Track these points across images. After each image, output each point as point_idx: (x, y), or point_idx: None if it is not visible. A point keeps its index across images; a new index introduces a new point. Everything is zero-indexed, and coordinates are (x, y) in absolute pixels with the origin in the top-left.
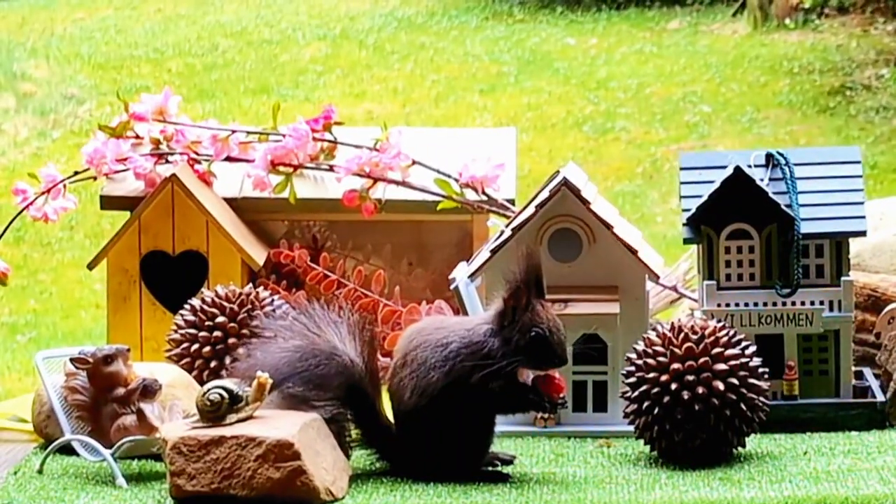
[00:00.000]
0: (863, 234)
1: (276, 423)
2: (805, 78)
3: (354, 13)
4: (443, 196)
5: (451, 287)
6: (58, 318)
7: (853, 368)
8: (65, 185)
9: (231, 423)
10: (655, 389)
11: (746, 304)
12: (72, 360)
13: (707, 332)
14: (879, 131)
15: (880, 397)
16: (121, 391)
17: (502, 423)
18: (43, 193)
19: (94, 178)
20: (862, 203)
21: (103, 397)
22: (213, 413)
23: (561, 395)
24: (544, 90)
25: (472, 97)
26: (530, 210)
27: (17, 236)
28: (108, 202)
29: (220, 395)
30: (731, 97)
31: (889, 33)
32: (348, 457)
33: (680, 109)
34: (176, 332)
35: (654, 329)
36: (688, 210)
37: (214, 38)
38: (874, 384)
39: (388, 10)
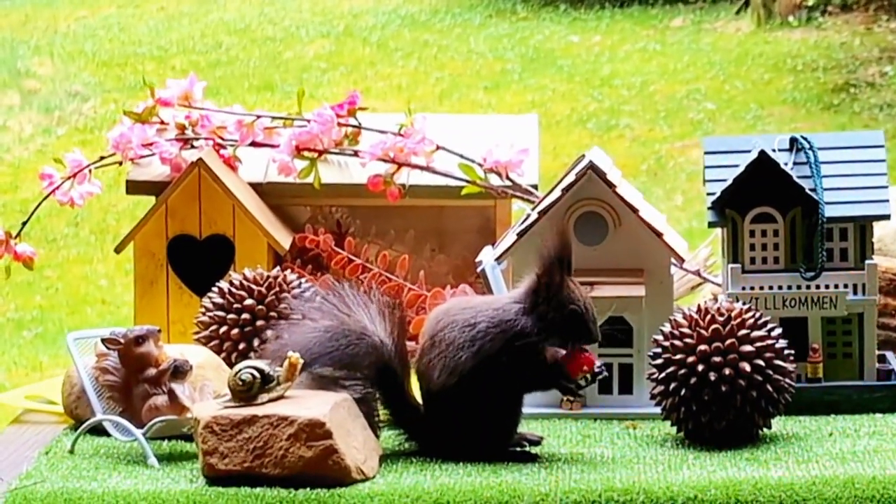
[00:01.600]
0: (887, 217)
1: (307, 403)
2: (809, 75)
3: (358, 10)
4: (467, 181)
5: (478, 270)
6: (63, 313)
7: (877, 352)
8: (90, 170)
9: (263, 403)
10: (682, 371)
11: (771, 288)
12: (103, 340)
13: (733, 314)
14: (883, 128)
15: None
16: (152, 372)
17: (529, 406)
18: (69, 178)
19: (120, 164)
20: (886, 187)
21: (134, 378)
22: (244, 393)
23: (595, 369)
24: (548, 87)
25: (476, 94)
26: (556, 193)
27: (22, 232)
28: (134, 187)
29: (252, 374)
30: (734, 94)
31: (893, 31)
32: (378, 437)
33: (684, 107)
34: (204, 314)
35: (681, 311)
36: (712, 194)
37: (218, 36)
38: None
39: (392, 8)
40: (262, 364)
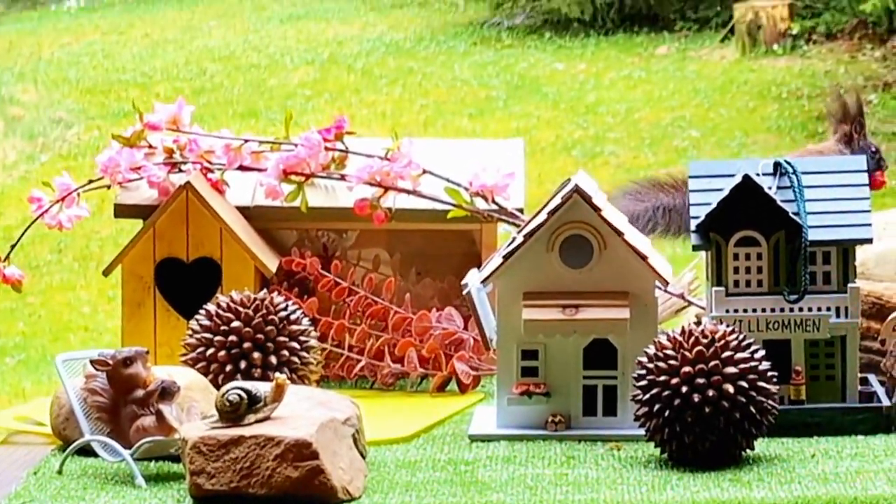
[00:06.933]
0: (869, 241)
1: (294, 424)
2: (793, 103)
3: (342, 38)
4: (453, 205)
5: (464, 292)
6: (46, 340)
7: (859, 375)
8: (79, 194)
9: (250, 424)
10: (666, 392)
11: (754, 310)
12: (92, 361)
13: (717, 336)
14: None
15: (886, 402)
16: (140, 393)
17: (512, 427)
18: (58, 202)
19: (108, 187)
20: (868, 211)
21: (122, 399)
22: (232, 413)
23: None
24: (533, 115)
25: (460, 121)
26: (542, 216)
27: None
28: (122, 210)
29: (240, 395)
30: (719, 122)
31: (877, 59)
32: (364, 458)
33: (668, 134)
34: (191, 336)
35: (665, 333)
36: (696, 217)
37: (202, 63)
38: (879, 390)
39: (376, 35)
40: (249, 385)
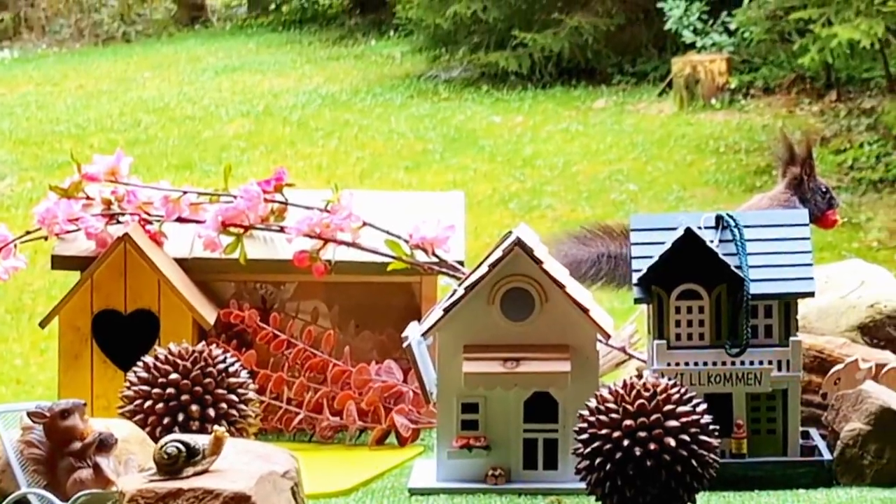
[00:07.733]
0: (811, 294)
1: (232, 477)
2: (731, 157)
3: (278, 90)
4: (393, 257)
5: (404, 345)
6: None
7: (800, 428)
8: (16, 245)
9: (188, 476)
10: (608, 446)
11: (696, 364)
12: (29, 414)
13: (659, 389)
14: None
15: (827, 456)
16: (77, 445)
17: (452, 480)
18: None
19: (46, 238)
20: (810, 265)
21: (59, 451)
22: (170, 466)
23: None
24: (470, 167)
25: (397, 174)
26: (483, 269)
27: None
28: (59, 262)
29: (178, 448)
30: (657, 176)
31: (814, 114)
32: None
33: (606, 188)
34: (129, 388)
35: (607, 387)
36: (638, 270)
37: (136, 114)
38: (821, 443)
39: (312, 87)
40: (187, 437)
